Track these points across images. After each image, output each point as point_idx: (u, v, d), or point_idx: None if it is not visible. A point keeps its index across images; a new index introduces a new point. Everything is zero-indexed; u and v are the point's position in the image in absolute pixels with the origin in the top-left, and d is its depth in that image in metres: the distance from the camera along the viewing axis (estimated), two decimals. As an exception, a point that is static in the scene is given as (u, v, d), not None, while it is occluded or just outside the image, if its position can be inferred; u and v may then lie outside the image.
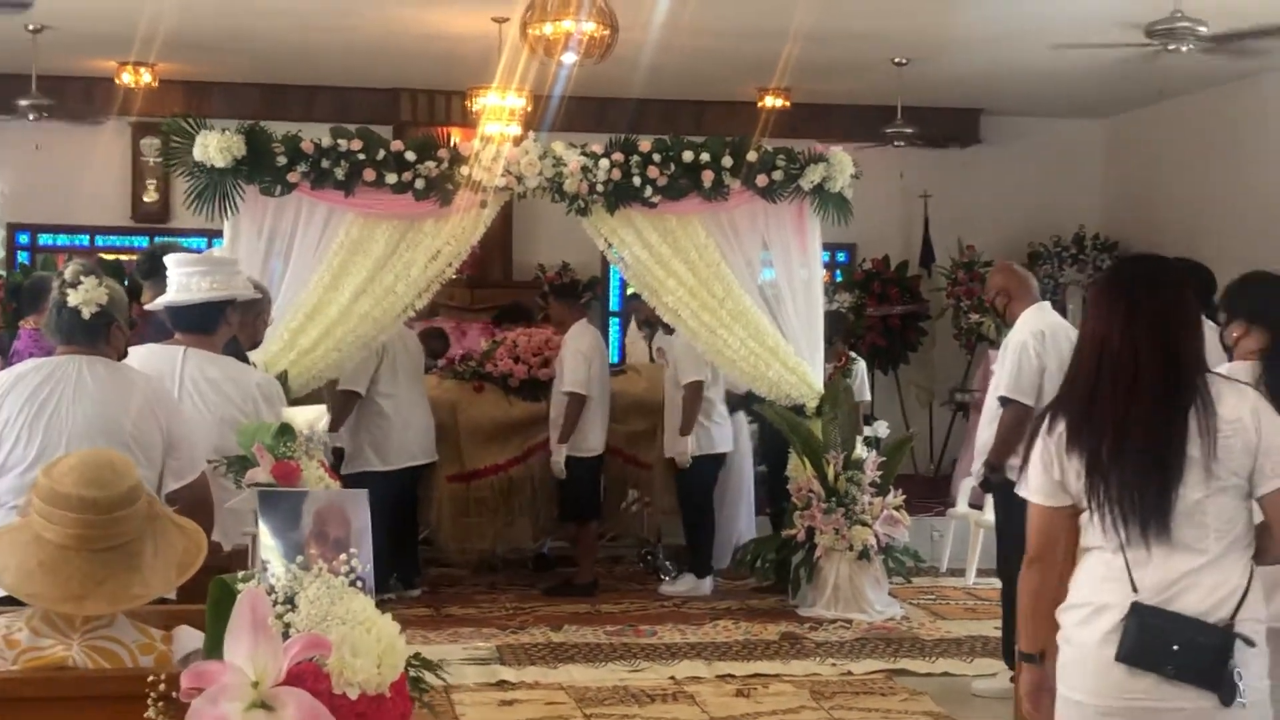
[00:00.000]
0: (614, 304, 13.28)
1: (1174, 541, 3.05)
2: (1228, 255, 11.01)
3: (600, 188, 8.25)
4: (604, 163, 8.23)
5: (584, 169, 8.21)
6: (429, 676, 2.62)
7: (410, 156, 8.05)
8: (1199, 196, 12.42)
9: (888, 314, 12.98)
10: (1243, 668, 3.01)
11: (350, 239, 8.07)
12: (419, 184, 8.04)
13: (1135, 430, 3.07)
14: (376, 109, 12.13)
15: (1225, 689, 2.98)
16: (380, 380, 8.42)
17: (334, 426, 8.10)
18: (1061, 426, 3.16)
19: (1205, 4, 7.91)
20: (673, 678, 7.00)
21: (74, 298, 4.03)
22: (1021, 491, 3.26)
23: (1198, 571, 3.05)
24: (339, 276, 8.05)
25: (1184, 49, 8.14)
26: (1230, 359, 4.51)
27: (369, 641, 2.07)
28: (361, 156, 7.99)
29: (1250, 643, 3.05)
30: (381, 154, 8.03)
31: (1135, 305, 3.13)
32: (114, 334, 4.15)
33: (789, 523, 8.53)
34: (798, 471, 8.55)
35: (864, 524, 8.31)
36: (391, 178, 8.02)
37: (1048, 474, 3.18)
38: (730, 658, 7.38)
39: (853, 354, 10.10)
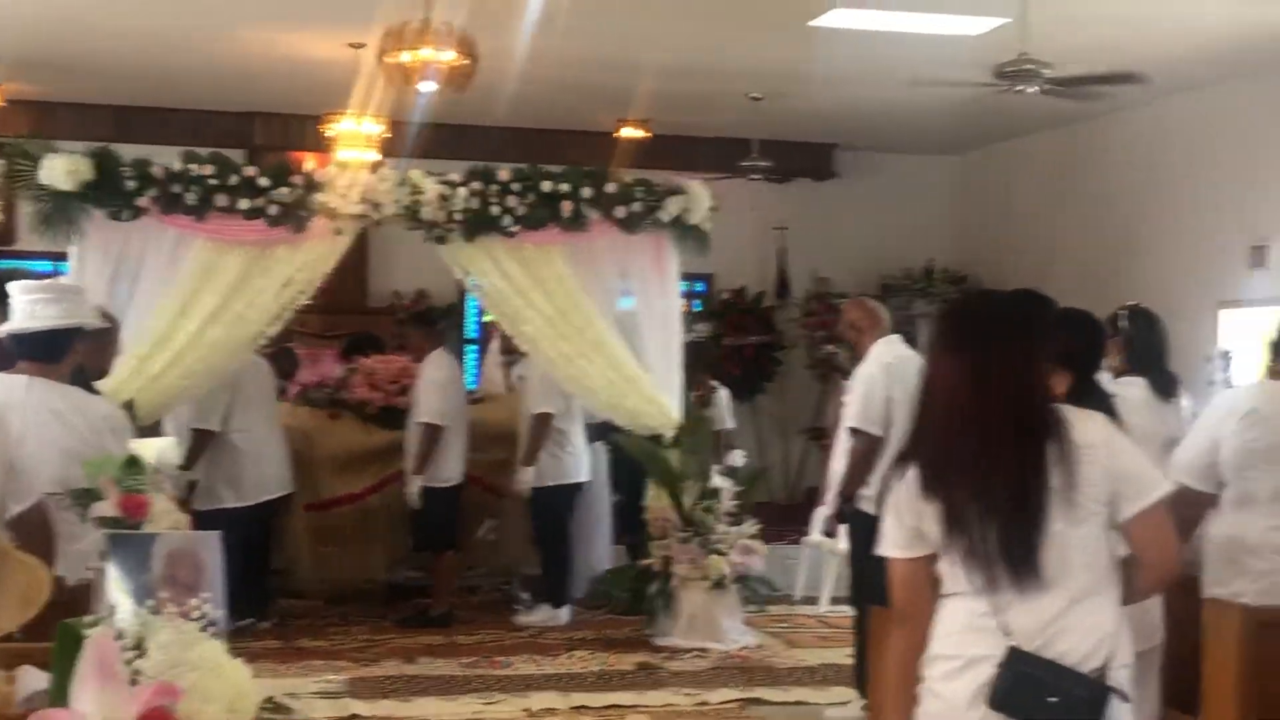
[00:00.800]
0: (471, 332, 13.22)
1: (1042, 580, 2.95)
2: (1071, 290, 11.32)
3: (458, 216, 8.21)
4: (462, 191, 8.20)
5: (442, 197, 8.16)
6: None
7: (264, 182, 7.93)
8: (1044, 232, 12.76)
9: (743, 344, 13.11)
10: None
11: (200, 265, 7.92)
12: (272, 210, 7.92)
13: (993, 470, 2.98)
14: (230, 132, 11.96)
15: None
16: (234, 415, 8.27)
17: (187, 465, 7.94)
18: (914, 473, 3.06)
19: (1051, 47, 8.13)
20: (528, 710, 6.95)
21: None
22: (881, 551, 3.14)
23: (1067, 612, 2.96)
24: (189, 303, 7.89)
25: (1030, 90, 8.35)
26: None
27: (220, 687, 2.03)
28: (214, 181, 7.85)
29: (1125, 698, 3.00)
30: (234, 179, 7.90)
31: (983, 348, 3.06)
32: None
33: (646, 552, 8.55)
34: (655, 501, 8.57)
35: (720, 553, 8.35)
36: (244, 204, 7.89)
37: (903, 523, 3.08)
38: (586, 689, 7.36)
39: (714, 383, 10.18)
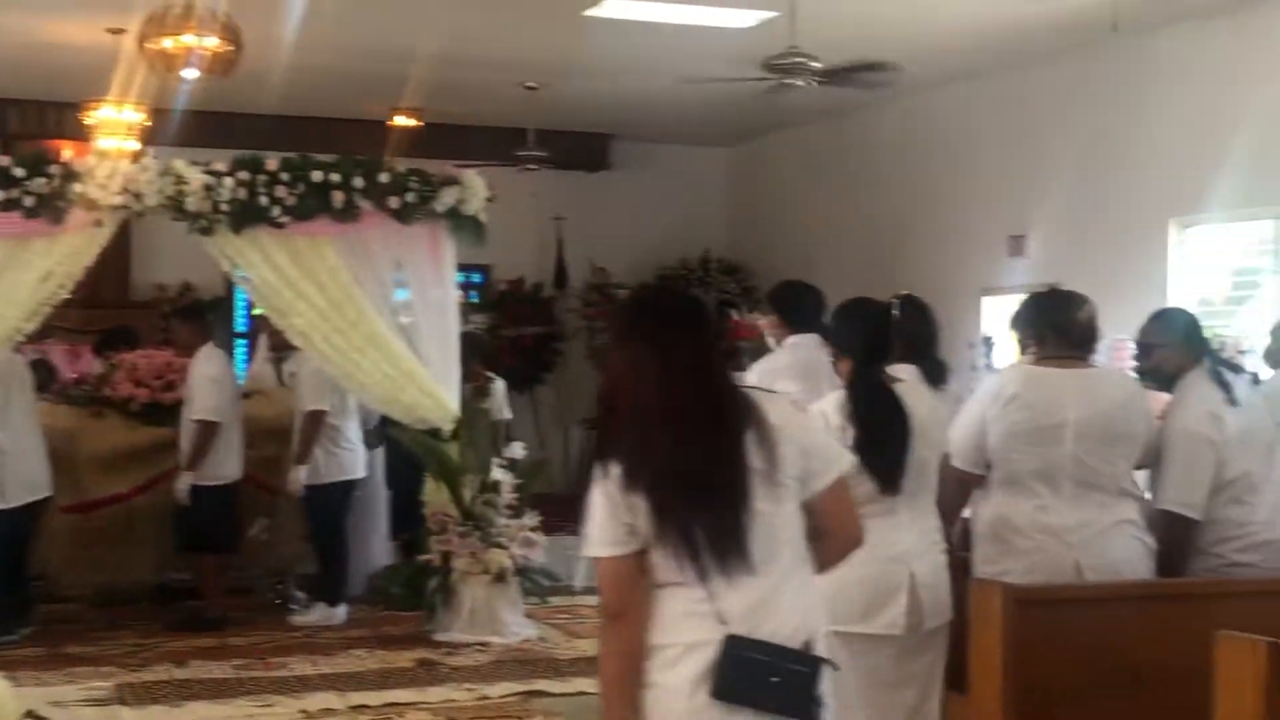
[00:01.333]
0: (240, 326, 12.89)
1: (752, 563, 2.96)
2: (842, 278, 11.58)
3: (225, 207, 7.99)
4: (229, 181, 7.99)
5: (207, 187, 7.94)
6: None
7: (19, 172, 7.61)
8: (814, 221, 13.04)
9: (522, 335, 13.08)
10: (824, 692, 3.01)
11: (-49, 258, 7.57)
12: (28, 201, 7.62)
13: (693, 460, 2.97)
14: (-17, 121, 11.47)
15: (812, 714, 2.97)
16: None
17: None
18: (617, 470, 3.00)
19: (818, 41, 8.29)
20: (305, 711, 6.81)
21: None
22: (588, 551, 3.07)
23: (776, 592, 2.99)
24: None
25: (799, 83, 8.50)
26: None
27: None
28: (-35, 172, 7.51)
29: (835, 666, 3.06)
30: (-13, 170, 7.57)
31: (665, 339, 3.05)
32: None
33: (422, 548, 8.45)
34: (434, 496, 8.48)
35: (500, 546, 8.31)
36: (-1, 195, 7.56)
37: (615, 520, 3.00)
38: (365, 688, 7.23)
39: (490, 374, 10.12)
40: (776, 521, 3.01)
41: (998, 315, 10.76)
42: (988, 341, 10.28)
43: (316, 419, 8.59)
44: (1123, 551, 4.55)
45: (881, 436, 4.23)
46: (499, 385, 10.07)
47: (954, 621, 4.40)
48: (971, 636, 4.27)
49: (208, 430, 8.36)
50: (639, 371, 3.04)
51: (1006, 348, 10.51)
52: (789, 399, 3.24)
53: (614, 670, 3.06)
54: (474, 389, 9.21)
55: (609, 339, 3.21)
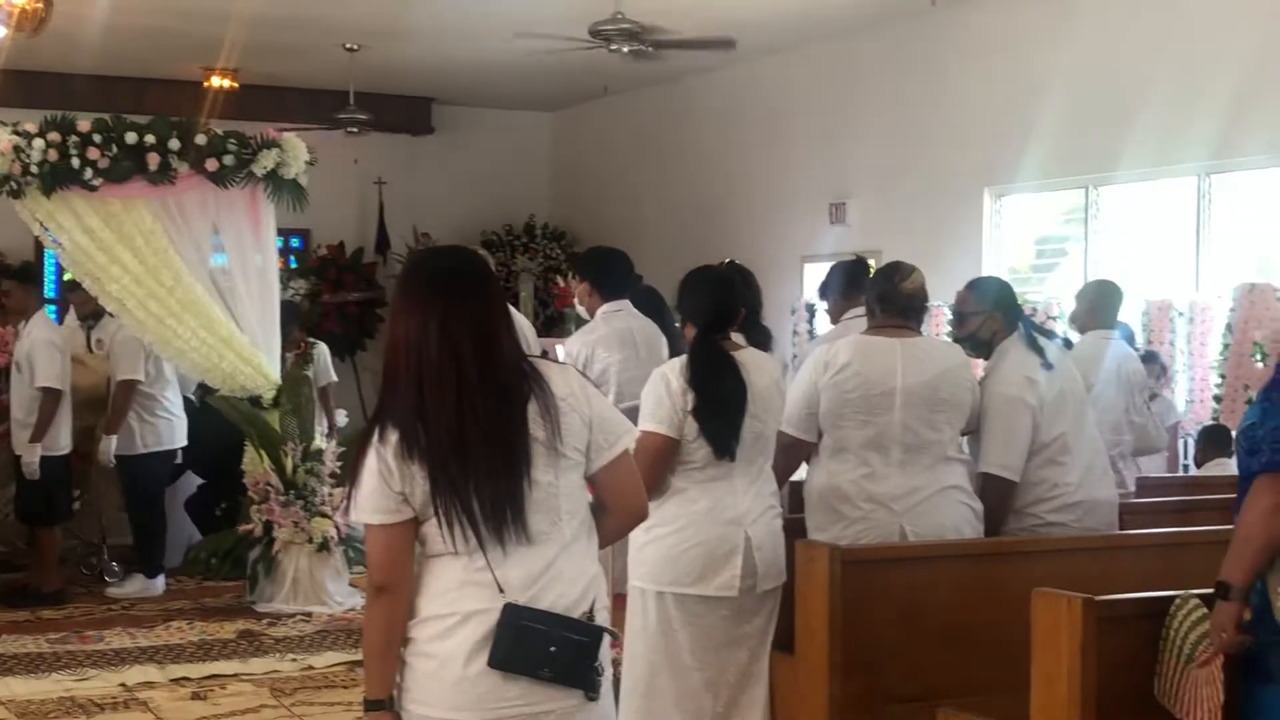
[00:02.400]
0: (50, 291, 12.47)
1: (531, 533, 2.93)
2: (666, 245, 11.70)
3: (35, 169, 7.74)
4: (39, 142, 7.74)
5: (16, 149, 7.68)
6: None
7: None
8: (639, 188, 13.10)
9: (344, 301, 12.91)
10: (603, 660, 2.99)
11: None
12: None
13: (473, 428, 2.91)
14: None
15: (591, 685, 2.95)
16: None
17: None
18: (394, 436, 2.94)
19: (644, 9, 8.32)
20: (123, 684, 6.67)
21: None
22: (354, 516, 3.01)
23: (556, 562, 2.96)
24: None
25: (624, 50, 8.52)
26: None
27: None
28: None
29: (615, 635, 3.07)
30: None
31: (448, 305, 2.97)
32: None
33: (244, 517, 8.31)
34: (254, 465, 8.34)
35: (324, 515, 8.21)
36: None
37: (386, 487, 2.93)
38: (185, 660, 7.10)
39: (312, 339, 9.97)
40: (558, 492, 2.98)
41: (818, 282, 10.97)
42: (809, 308, 10.47)
43: (129, 388, 8.37)
44: (949, 517, 4.66)
45: (720, 403, 4.28)
46: (321, 350, 9.94)
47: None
48: (798, 597, 4.35)
49: (52, 399, 8.07)
50: (418, 336, 2.96)
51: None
52: (575, 370, 3.18)
53: (378, 641, 3.01)
54: (296, 356, 9.05)
55: (392, 303, 3.12)
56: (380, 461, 2.93)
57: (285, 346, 8.81)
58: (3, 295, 8.61)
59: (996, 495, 4.81)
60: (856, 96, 10.76)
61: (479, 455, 2.91)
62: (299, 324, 9.79)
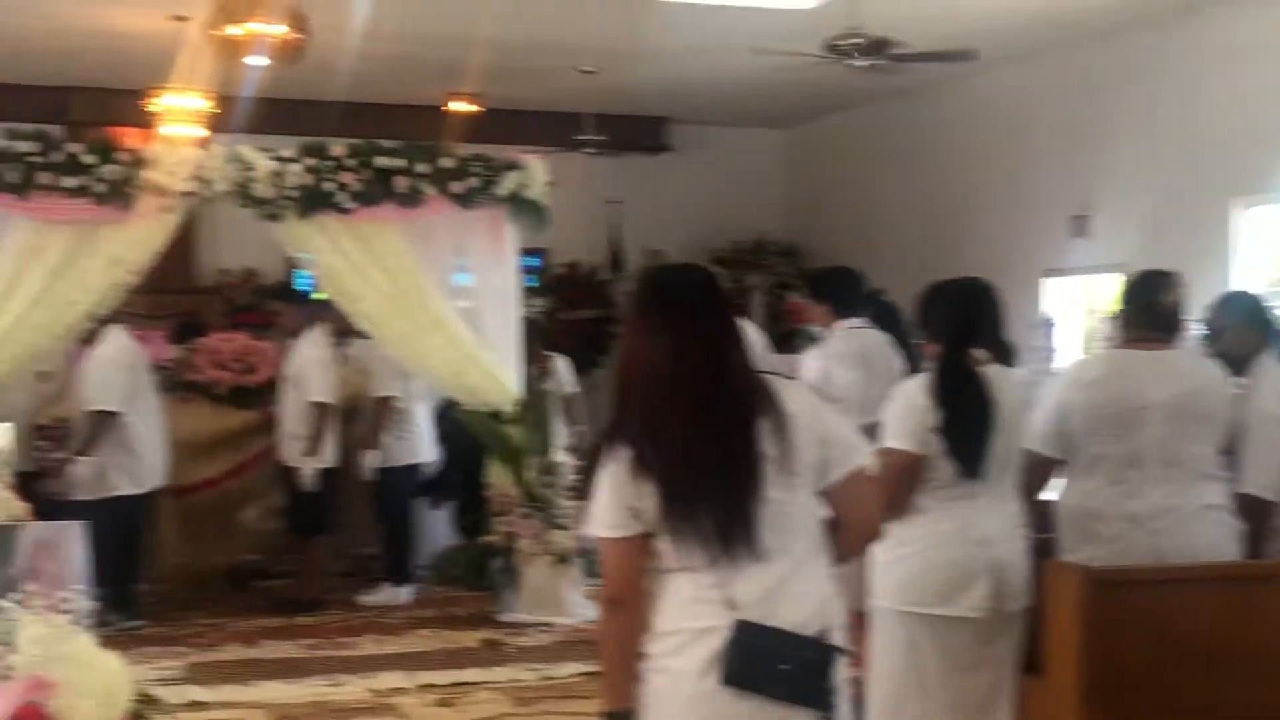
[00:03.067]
0: (303, 311, 12.95)
1: (762, 550, 2.93)
2: (899, 259, 11.60)
3: (292, 193, 8.06)
4: (295, 167, 8.04)
5: (274, 174, 8.01)
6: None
7: (89, 159, 7.69)
8: (872, 203, 13.01)
9: (578, 318, 13.13)
10: (838, 681, 2.97)
11: (24, 245, 7.67)
12: (99, 188, 7.69)
13: (703, 445, 2.93)
14: (46, 108, 11.60)
15: (826, 704, 2.93)
16: (129, 398, 7.96)
17: (84, 449, 7.74)
18: (626, 452, 2.97)
19: (881, 21, 8.28)
20: (374, 690, 6.89)
21: None
22: (590, 530, 3.06)
23: (789, 579, 2.96)
24: (11, 285, 7.64)
25: (861, 65, 8.49)
26: None
27: (93, 681, 1.98)
28: (36, 158, 7.60)
29: (849, 655, 3.05)
30: (58, 156, 7.65)
31: (678, 321, 2.99)
32: None
33: (488, 529, 8.52)
34: (497, 478, 8.55)
35: (563, 528, 8.36)
36: (69, 181, 7.64)
37: (619, 502, 2.97)
38: (432, 667, 7.31)
39: (550, 353, 10.20)
40: (789, 510, 2.97)
41: (1059, 297, 10.74)
42: (1049, 323, 10.25)
43: (387, 404, 8.67)
44: (1208, 537, 4.50)
45: (966, 421, 4.24)
46: (560, 362, 10.16)
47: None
48: (1048, 619, 4.27)
49: (324, 413, 8.41)
50: (649, 352, 2.98)
51: (1070, 330, 10.52)
52: (808, 387, 3.20)
53: (614, 656, 3.06)
54: (538, 371, 9.27)
55: (625, 319, 3.15)
56: (612, 476, 2.97)
57: (528, 362, 9.00)
58: (273, 315, 8.97)
59: (1256, 516, 4.64)
60: (1099, 106, 10.50)
61: (709, 472, 2.92)
62: (537, 339, 9.99)
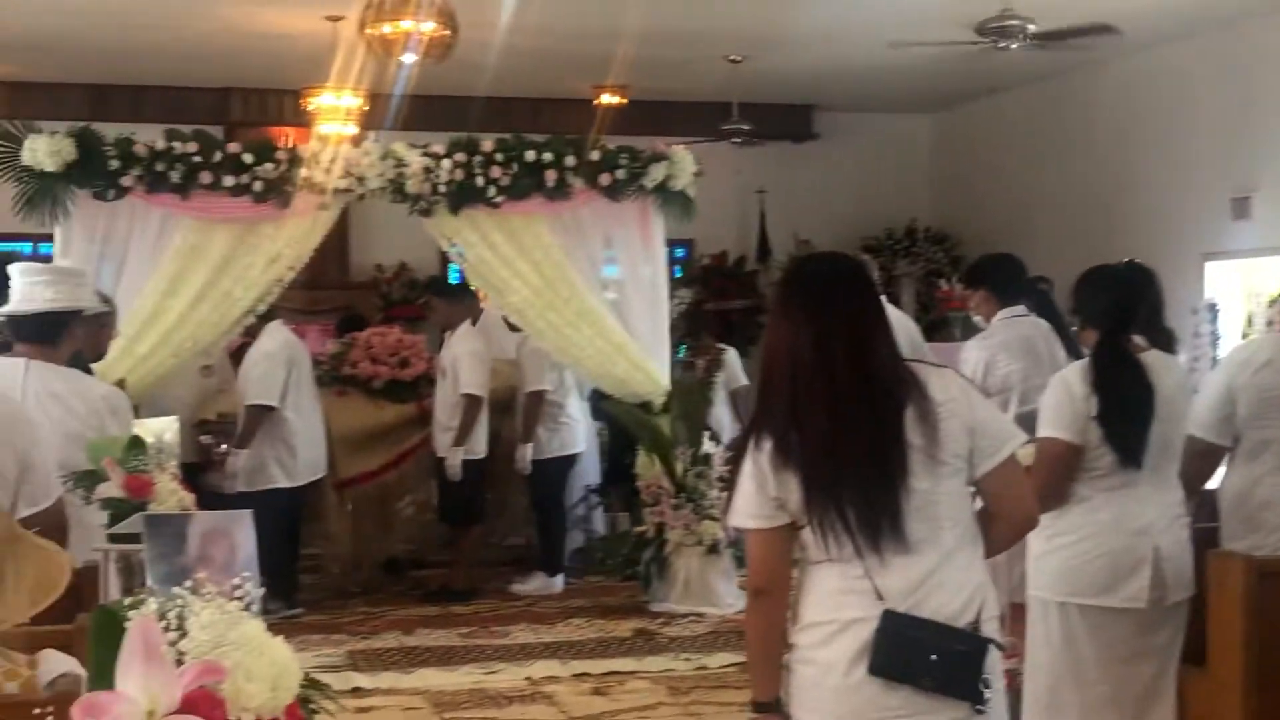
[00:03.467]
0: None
1: (909, 541, 2.90)
2: (1053, 244, 11.39)
3: (443, 188, 8.19)
4: (446, 163, 8.17)
5: (426, 170, 8.14)
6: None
7: (248, 158, 7.90)
8: (1025, 188, 12.79)
9: (726, 308, 13.12)
10: (991, 673, 2.92)
11: (187, 244, 7.91)
12: (257, 186, 7.90)
13: (848, 435, 2.90)
14: (207, 109, 11.89)
15: (977, 696, 2.88)
16: (288, 392, 8.14)
17: (242, 443, 7.91)
18: (769, 443, 2.95)
19: (1029, 4, 8.13)
20: (529, 678, 6.99)
21: None
22: (733, 520, 3.08)
23: (938, 570, 2.92)
24: (176, 282, 7.88)
25: (1013, 46, 8.36)
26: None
27: (263, 666, 2.04)
28: (198, 159, 7.83)
29: (1001, 647, 2.99)
30: (218, 156, 7.88)
31: (822, 310, 2.97)
32: None
33: (638, 519, 8.57)
34: (646, 468, 8.59)
35: (713, 518, 8.38)
36: (229, 180, 7.87)
37: (762, 493, 2.95)
38: (585, 656, 7.39)
39: (721, 345, 10.24)
40: (937, 500, 2.93)
41: (1221, 281, 10.46)
42: (1211, 308, 9.99)
43: (539, 398, 8.76)
44: None
45: (1125, 408, 4.16)
46: (731, 354, 10.17)
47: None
48: (1210, 610, 4.18)
49: (475, 405, 8.53)
50: (794, 342, 2.96)
51: (1233, 314, 10.23)
52: (956, 374, 3.12)
53: (759, 646, 3.07)
54: (709, 361, 9.32)
55: (770, 309, 3.10)
56: (756, 467, 2.95)
57: (695, 353, 9.06)
58: (426, 308, 9.10)
59: None
60: (1259, 85, 10.19)
61: (853, 463, 2.89)
62: (706, 330, 10.05)
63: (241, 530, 2.50)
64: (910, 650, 2.85)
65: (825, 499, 2.90)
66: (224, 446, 8.13)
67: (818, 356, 2.92)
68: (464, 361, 8.56)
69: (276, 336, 8.22)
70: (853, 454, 2.90)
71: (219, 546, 2.48)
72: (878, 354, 2.96)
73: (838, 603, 2.93)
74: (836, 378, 2.91)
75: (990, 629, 2.95)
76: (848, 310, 2.98)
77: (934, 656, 2.85)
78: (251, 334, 8.27)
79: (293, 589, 8.37)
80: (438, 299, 9.15)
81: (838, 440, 2.90)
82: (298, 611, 8.22)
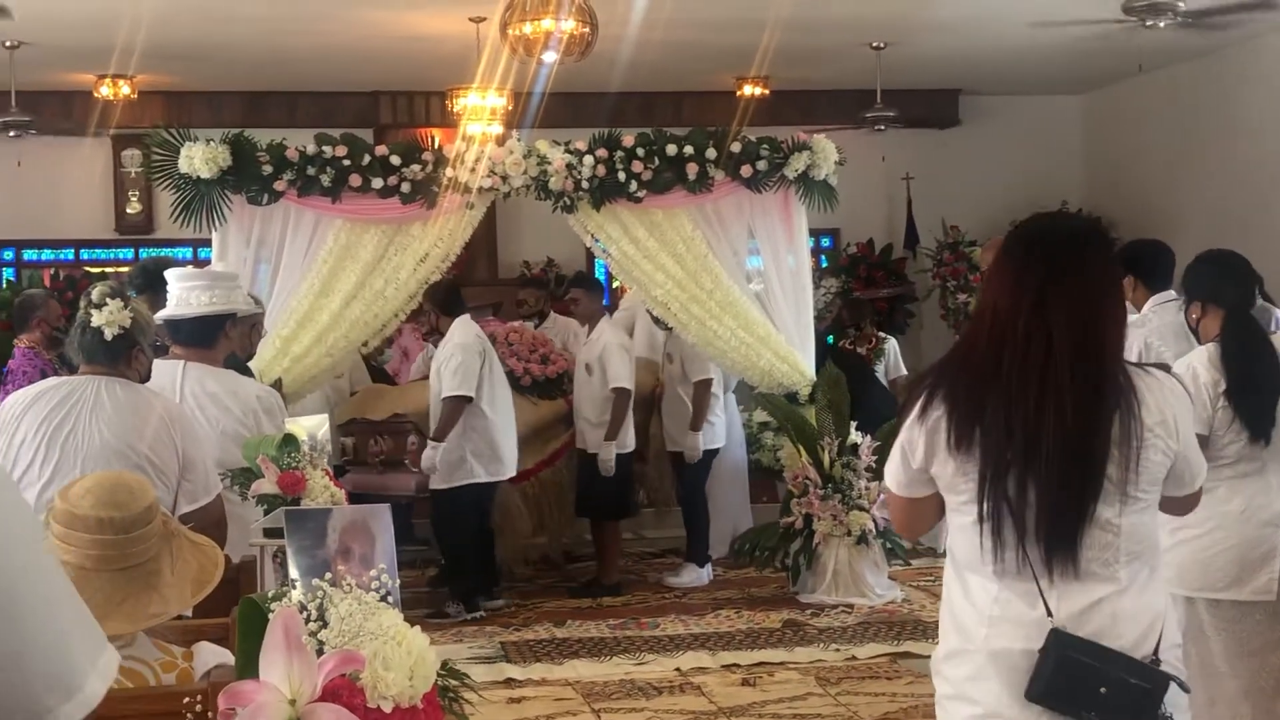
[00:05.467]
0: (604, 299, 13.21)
1: (1080, 569, 2.56)
2: (1208, 225, 11.10)
3: (585, 184, 8.27)
4: (588, 159, 8.25)
5: (569, 166, 8.23)
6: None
7: (395, 160, 8.07)
8: (1179, 168, 12.48)
9: (874, 297, 13.02)
10: (1175, 709, 2.57)
11: (339, 245, 8.10)
12: (405, 188, 8.07)
13: (1049, 431, 2.52)
14: (357, 113, 12.13)
15: None
16: (483, 385, 8.06)
17: (440, 435, 7.86)
18: (941, 413, 2.61)
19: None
20: (678, 669, 7.02)
21: (97, 319, 4.06)
22: (886, 483, 2.82)
23: (1117, 596, 2.58)
24: (329, 282, 8.08)
25: (1161, 24, 8.18)
26: (1199, 341, 4.54)
27: (400, 655, 2.10)
28: (346, 162, 8.02)
29: (1185, 688, 2.62)
30: (366, 159, 8.05)
31: (1047, 278, 2.57)
32: (136, 356, 4.18)
33: (786, 510, 8.56)
34: (793, 459, 8.58)
35: (861, 509, 8.34)
36: (377, 182, 8.04)
37: (908, 464, 2.69)
38: (734, 647, 7.40)
39: (882, 334, 10.19)
40: (1120, 529, 2.59)
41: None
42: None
43: (707, 387, 8.80)
44: None
45: (1256, 379, 4.09)
46: (891, 344, 10.12)
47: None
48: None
49: (625, 399, 8.52)
50: (1008, 306, 2.58)
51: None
52: (1174, 387, 2.73)
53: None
54: (869, 350, 9.28)
55: (991, 267, 2.74)
56: (911, 435, 2.67)
57: (856, 341, 9.03)
58: (571, 302, 9.16)
59: None
60: None
61: (1049, 465, 2.53)
62: (869, 319, 9.99)
63: (381, 523, 2.56)
64: (1076, 677, 2.50)
65: (1002, 498, 2.55)
66: (412, 441, 8.20)
67: (1033, 329, 2.54)
68: (612, 355, 8.57)
69: (468, 330, 8.13)
70: (1050, 455, 2.53)
71: (359, 539, 2.55)
72: (1104, 344, 2.58)
73: (993, 628, 2.61)
74: (1053, 362, 2.53)
75: (1172, 662, 2.61)
76: (1075, 283, 2.58)
77: (1104, 689, 2.50)
78: (429, 333, 8.41)
79: (493, 583, 8.36)
80: (584, 292, 9.17)
81: (1039, 436, 2.53)
82: (499, 604, 8.23)
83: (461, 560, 8.18)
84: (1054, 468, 2.52)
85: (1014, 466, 2.54)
